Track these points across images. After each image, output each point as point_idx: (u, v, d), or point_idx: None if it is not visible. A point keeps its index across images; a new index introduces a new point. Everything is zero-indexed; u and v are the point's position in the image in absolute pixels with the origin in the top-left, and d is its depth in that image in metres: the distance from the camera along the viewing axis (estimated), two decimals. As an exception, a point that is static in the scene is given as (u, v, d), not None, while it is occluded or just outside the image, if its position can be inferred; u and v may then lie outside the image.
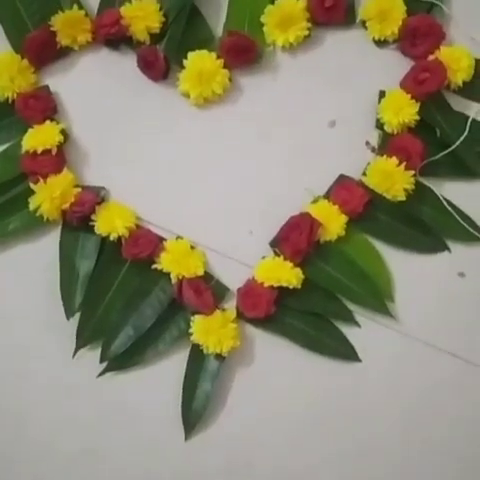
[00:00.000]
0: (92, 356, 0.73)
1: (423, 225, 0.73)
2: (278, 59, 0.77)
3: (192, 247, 0.73)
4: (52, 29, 0.75)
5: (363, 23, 0.76)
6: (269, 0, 0.75)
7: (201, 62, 0.74)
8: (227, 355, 0.71)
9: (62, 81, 0.77)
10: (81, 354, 0.73)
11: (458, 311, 0.73)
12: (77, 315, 0.72)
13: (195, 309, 0.71)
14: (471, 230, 0.73)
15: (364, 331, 0.73)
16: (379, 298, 0.72)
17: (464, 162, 0.74)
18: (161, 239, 0.73)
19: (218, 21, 0.77)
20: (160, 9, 0.75)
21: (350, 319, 0.72)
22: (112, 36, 0.75)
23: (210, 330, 0.70)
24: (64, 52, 0.77)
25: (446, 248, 0.74)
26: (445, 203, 0.73)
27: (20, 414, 0.73)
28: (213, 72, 0.74)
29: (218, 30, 0.77)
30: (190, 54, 0.74)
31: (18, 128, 0.75)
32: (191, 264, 0.72)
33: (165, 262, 0.72)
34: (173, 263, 0.72)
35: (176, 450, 0.72)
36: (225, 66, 0.74)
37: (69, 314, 0.72)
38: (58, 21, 0.75)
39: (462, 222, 0.73)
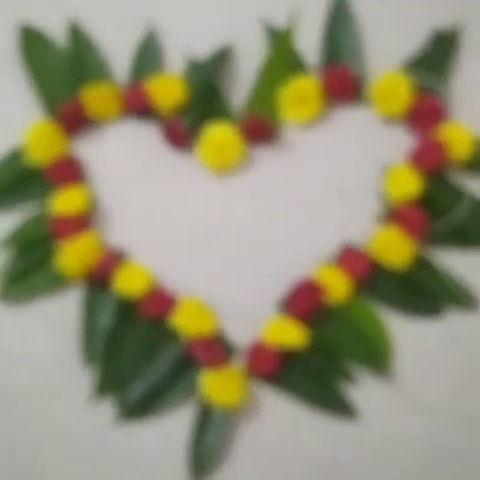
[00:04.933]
0: (106, 404, 0.75)
1: (422, 291, 0.76)
2: (291, 134, 0.80)
3: (204, 305, 0.76)
4: (83, 101, 0.79)
5: (370, 101, 0.79)
6: (285, 80, 0.79)
7: (220, 135, 0.78)
8: (233, 408, 0.73)
9: (90, 148, 0.81)
10: (96, 401, 0.75)
11: (453, 372, 0.75)
12: (94, 365, 0.76)
13: (205, 364, 0.74)
14: (466, 297, 0.75)
15: (364, 390, 0.74)
16: (379, 359, 0.74)
17: (462, 233, 0.76)
18: (176, 298, 0.76)
19: (238, 96, 0.81)
20: (184, 84, 0.79)
21: (351, 378, 0.75)
22: (139, 109, 0.80)
23: (218, 384, 0.73)
24: (94, 122, 0.81)
25: (443, 313, 0.76)
26: (443, 271, 0.76)
27: (37, 451, 0.76)
28: (230, 145, 0.78)
29: (237, 103, 0.80)
30: (210, 127, 0.78)
31: (48, 192, 0.79)
32: (203, 322, 0.75)
33: (178, 319, 0.75)
34: (186, 320, 0.75)
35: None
36: (242, 139, 0.78)
37: (87, 364, 0.76)
38: (89, 94, 0.79)
39: (458, 290, 0.75)
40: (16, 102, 0.82)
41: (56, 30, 0.83)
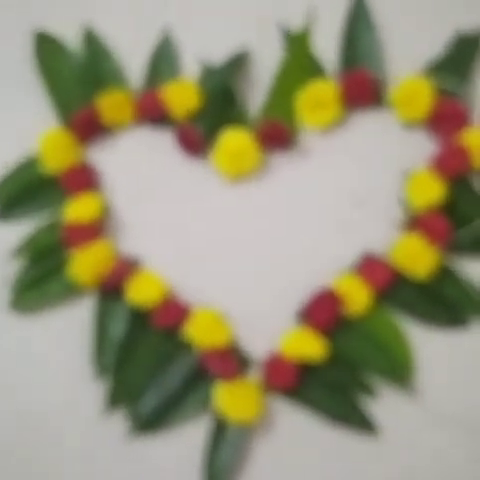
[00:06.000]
0: (119, 416, 0.74)
1: (445, 302, 0.73)
2: (308, 140, 0.79)
3: (219, 316, 0.75)
4: (98, 108, 0.79)
5: (391, 105, 0.78)
6: (303, 85, 0.78)
7: (235, 141, 0.77)
8: (248, 423, 0.71)
9: (105, 155, 0.81)
10: (108, 414, 0.74)
11: (478, 386, 0.72)
12: (106, 376, 0.74)
13: (219, 376, 0.72)
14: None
15: (385, 404, 0.72)
16: (400, 371, 0.72)
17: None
18: (189, 308, 0.75)
19: (254, 102, 0.79)
20: (199, 90, 0.79)
21: (371, 392, 0.72)
22: (153, 115, 0.79)
23: (233, 398, 0.71)
24: (108, 129, 0.80)
25: (468, 324, 0.73)
26: (467, 280, 0.73)
27: (47, 464, 0.74)
28: (245, 151, 0.77)
29: (253, 109, 0.79)
30: (225, 133, 0.77)
31: (61, 200, 0.78)
32: (217, 333, 0.73)
33: (192, 330, 0.73)
34: (200, 331, 0.73)
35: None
36: (258, 146, 0.77)
37: (99, 375, 0.74)
38: (104, 101, 0.79)
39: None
40: (30, 109, 0.82)
41: (71, 37, 0.83)
